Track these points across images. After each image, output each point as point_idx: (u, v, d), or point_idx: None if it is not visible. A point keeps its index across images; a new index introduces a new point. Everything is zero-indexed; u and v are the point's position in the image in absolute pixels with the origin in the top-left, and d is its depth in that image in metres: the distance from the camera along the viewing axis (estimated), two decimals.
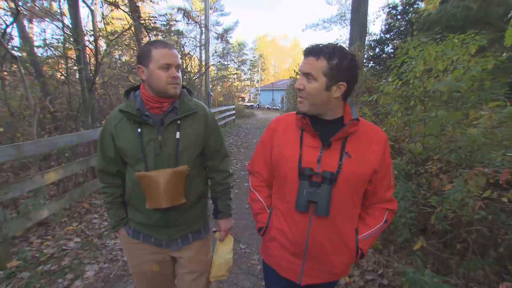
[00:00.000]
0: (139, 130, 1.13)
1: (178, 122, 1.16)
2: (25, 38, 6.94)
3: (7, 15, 5.56)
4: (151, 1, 7.60)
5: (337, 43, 1.00)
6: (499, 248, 2.07)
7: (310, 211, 1.02)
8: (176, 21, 9.75)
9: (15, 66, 5.56)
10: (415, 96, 3.16)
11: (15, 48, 5.07)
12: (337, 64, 0.94)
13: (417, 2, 10.83)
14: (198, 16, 22.87)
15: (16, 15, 4.03)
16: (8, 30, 4.76)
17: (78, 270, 2.36)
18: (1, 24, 4.97)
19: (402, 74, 3.17)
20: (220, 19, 30.47)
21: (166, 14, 9.57)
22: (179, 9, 8.98)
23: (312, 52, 0.97)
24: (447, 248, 2.62)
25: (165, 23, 8.94)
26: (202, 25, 11.55)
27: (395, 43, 10.56)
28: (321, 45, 0.98)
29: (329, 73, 0.94)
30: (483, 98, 3.19)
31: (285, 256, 1.12)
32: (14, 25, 5.42)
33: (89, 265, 2.46)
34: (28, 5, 6.90)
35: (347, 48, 0.97)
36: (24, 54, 5.54)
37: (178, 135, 1.15)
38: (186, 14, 7.76)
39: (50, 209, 2.78)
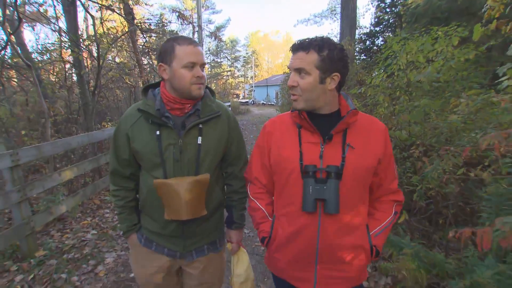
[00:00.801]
0: (157, 132, 1.04)
1: (200, 126, 1.08)
2: (21, 44, 7.07)
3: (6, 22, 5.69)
4: (145, 4, 7.72)
5: (323, 35, 0.98)
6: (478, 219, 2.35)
7: (318, 210, 0.96)
8: (170, 22, 9.89)
9: (13, 74, 5.71)
10: (399, 87, 3.43)
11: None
12: (328, 55, 0.91)
13: None
14: (190, 15, 22.87)
15: (19, 22, 4.19)
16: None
17: (99, 257, 2.60)
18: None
19: (387, 67, 3.43)
20: (212, 17, 30.55)
21: (160, 15, 9.70)
22: (173, 10, 9.12)
23: (301, 46, 0.94)
24: (432, 225, 2.90)
25: (159, 24, 9.10)
26: (195, 24, 11.70)
27: (385, 35, 10.82)
28: (308, 39, 0.95)
29: (322, 65, 0.92)
30: (463, 87, 3.48)
31: (295, 266, 1.04)
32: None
33: (108, 253, 2.71)
34: (28, 11, 7.02)
35: (338, 41, 1.00)
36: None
37: (200, 140, 1.07)
38: (181, 15, 7.91)
39: (67, 205, 3.01)
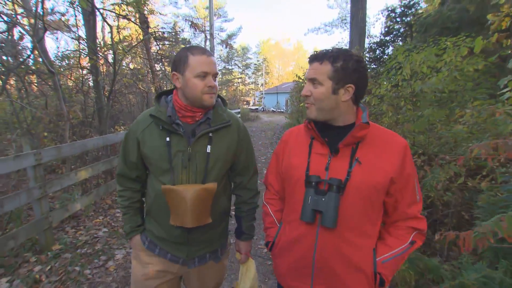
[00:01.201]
0: (167, 139, 1.06)
1: (210, 134, 1.10)
2: (44, 51, 7.48)
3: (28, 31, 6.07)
4: (160, 13, 8.05)
5: (341, 47, 1.00)
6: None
7: (316, 222, 0.96)
8: (183, 30, 10.24)
9: (33, 80, 6.06)
10: (404, 97, 3.50)
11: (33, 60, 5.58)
12: (342, 66, 0.91)
13: (415, 5, 11.08)
14: (202, 23, 23.45)
15: (44, 31, 4.50)
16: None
17: (109, 253, 2.75)
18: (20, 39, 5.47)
19: (392, 78, 3.52)
20: (223, 25, 31.18)
21: (173, 24, 10.05)
22: (186, 19, 9.45)
23: (316, 57, 0.96)
24: (433, 234, 2.93)
25: (172, 32, 9.44)
26: (207, 32, 12.04)
27: (394, 45, 10.85)
28: (324, 50, 0.97)
29: (335, 76, 0.92)
30: (469, 97, 3.51)
31: (292, 274, 1.05)
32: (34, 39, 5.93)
33: (118, 249, 2.85)
34: (50, 19, 7.44)
35: None
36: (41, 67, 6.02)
37: (209, 148, 1.08)
38: (193, 25, 8.21)
39: (82, 203, 3.19)
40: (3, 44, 4.45)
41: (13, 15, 4.57)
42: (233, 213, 1.35)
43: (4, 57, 4.41)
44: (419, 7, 11.11)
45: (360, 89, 0.96)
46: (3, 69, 4.20)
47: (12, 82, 6.81)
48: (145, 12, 8.19)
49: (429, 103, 3.48)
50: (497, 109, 1.84)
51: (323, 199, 0.92)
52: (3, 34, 4.61)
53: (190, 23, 8.26)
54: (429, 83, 3.15)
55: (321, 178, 0.95)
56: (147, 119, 1.11)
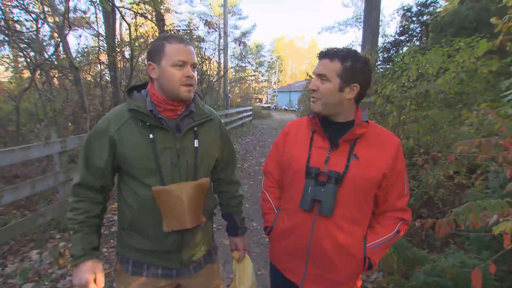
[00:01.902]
0: (151, 136, 0.96)
1: (195, 128, 1.04)
2: (65, 47, 7.90)
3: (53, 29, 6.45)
4: (175, 11, 8.31)
5: (351, 48, 1.04)
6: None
7: (314, 211, 1.03)
8: (197, 28, 10.50)
9: (58, 74, 6.44)
10: (410, 97, 3.56)
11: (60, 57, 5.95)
12: (350, 66, 0.97)
13: (433, 4, 10.85)
14: (217, 20, 23.72)
15: (69, 29, 4.81)
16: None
17: None
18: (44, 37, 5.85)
19: (397, 79, 3.59)
20: (238, 23, 31.39)
21: (188, 22, 10.32)
22: (200, 17, 9.68)
23: (327, 54, 1.00)
24: (433, 231, 3.01)
25: (187, 30, 9.71)
26: (221, 30, 12.28)
27: (410, 45, 10.71)
28: (335, 49, 1.01)
29: (343, 74, 0.97)
30: (477, 99, 3.55)
31: (288, 258, 1.12)
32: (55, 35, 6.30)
33: None
34: (72, 16, 7.84)
35: (360, 51, 1.11)
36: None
37: (196, 143, 1.03)
38: (207, 23, 8.42)
39: None
40: (31, 41, 4.80)
41: (41, 14, 4.91)
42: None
43: (32, 53, 4.75)
44: (438, 5, 10.87)
45: (364, 89, 1.02)
46: (32, 64, 4.53)
47: (36, 75, 7.24)
48: (162, 10, 8.48)
49: (435, 104, 3.53)
50: (490, 110, 1.92)
51: (322, 190, 0.99)
52: (32, 32, 4.96)
53: (204, 21, 8.48)
54: (434, 84, 3.21)
55: (321, 170, 1.02)
56: (123, 115, 0.98)
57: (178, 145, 1.00)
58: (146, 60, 1.02)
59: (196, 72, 1.03)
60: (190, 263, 1.10)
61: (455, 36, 3.93)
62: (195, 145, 1.03)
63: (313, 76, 1.05)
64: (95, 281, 0.96)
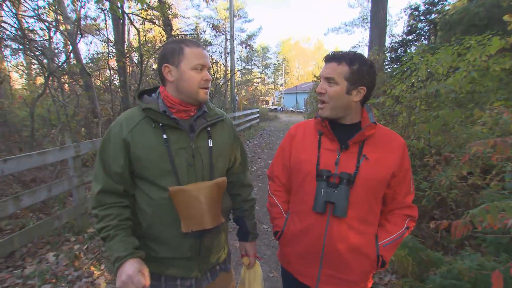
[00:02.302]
0: (164, 136, 0.96)
1: (208, 129, 1.05)
2: (77, 54, 8.10)
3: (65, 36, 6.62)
4: (182, 16, 8.42)
5: (356, 51, 1.05)
6: None
7: (327, 212, 1.03)
8: (204, 32, 10.61)
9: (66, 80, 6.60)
10: (420, 98, 3.52)
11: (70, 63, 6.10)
12: (358, 69, 0.98)
13: (441, 2, 10.71)
14: (223, 24, 23.90)
15: (81, 36, 4.93)
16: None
17: None
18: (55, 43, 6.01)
19: (406, 79, 3.55)
20: (244, 26, 31.55)
21: (195, 26, 10.43)
22: (207, 21, 9.79)
23: (334, 58, 1.01)
24: (447, 233, 2.96)
25: (194, 34, 9.83)
26: (228, 33, 12.38)
27: (418, 44, 10.58)
28: (342, 52, 1.02)
29: (350, 77, 0.99)
30: (489, 98, 3.48)
31: (301, 261, 1.11)
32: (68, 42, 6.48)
33: None
34: (82, 23, 8.03)
35: (367, 51, 1.10)
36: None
37: (210, 142, 1.03)
38: (214, 27, 8.51)
39: None
40: (45, 49, 4.93)
41: (53, 22, 5.05)
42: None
43: (45, 60, 4.88)
44: (446, 3, 10.72)
45: (370, 91, 1.04)
46: (45, 71, 4.66)
47: (49, 82, 7.44)
48: (169, 16, 8.61)
49: (445, 103, 3.48)
50: (505, 109, 1.89)
51: (335, 192, 1.00)
52: (45, 40, 5.10)
53: (211, 25, 8.57)
54: (444, 84, 3.17)
55: (331, 172, 1.03)
56: (135, 116, 0.98)
57: (193, 145, 0.99)
58: (159, 63, 1.00)
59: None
60: (208, 269, 1.08)
61: (464, 34, 3.87)
62: (210, 145, 1.03)
63: (320, 79, 1.06)
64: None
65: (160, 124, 0.96)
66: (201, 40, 11.36)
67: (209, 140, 1.04)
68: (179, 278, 1.03)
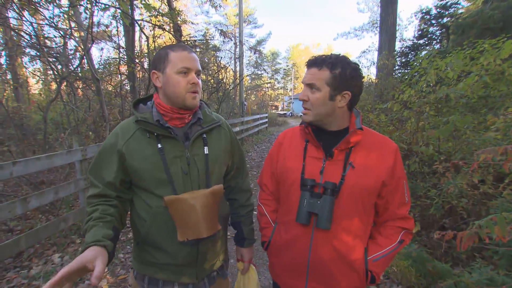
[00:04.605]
0: (159, 145, 0.96)
1: (204, 135, 1.03)
2: (89, 59, 8.32)
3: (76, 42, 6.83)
4: (192, 22, 8.56)
5: (339, 54, 0.99)
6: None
7: (312, 224, 0.99)
8: (213, 37, 10.76)
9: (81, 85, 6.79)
10: (429, 103, 3.44)
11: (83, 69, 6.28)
12: (340, 73, 0.93)
13: (454, 5, 10.54)
14: (232, 29, 24.17)
15: (92, 42, 5.07)
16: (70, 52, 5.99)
17: None
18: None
19: (415, 84, 3.48)
20: (253, 31, 31.86)
21: (204, 32, 10.58)
22: (216, 27, 9.92)
23: (315, 63, 0.96)
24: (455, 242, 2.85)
25: (203, 40, 9.97)
26: (237, 39, 12.49)
27: (429, 48, 10.41)
28: (323, 56, 0.97)
29: (332, 82, 0.94)
30: (503, 103, 3.37)
31: (288, 274, 1.08)
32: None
33: None
34: (95, 30, 8.28)
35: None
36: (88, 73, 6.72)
37: (206, 150, 1.02)
38: (223, 33, 8.61)
39: None
40: (58, 55, 5.09)
41: (68, 29, 5.22)
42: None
43: (59, 66, 5.04)
44: (459, 7, 10.55)
45: (356, 96, 0.98)
46: (58, 76, 4.81)
47: (62, 87, 7.69)
48: (179, 22, 8.77)
49: (456, 109, 3.39)
50: None
51: (318, 202, 0.95)
52: (60, 46, 5.27)
53: (220, 31, 8.67)
54: (455, 88, 3.09)
55: (316, 181, 0.98)
56: (130, 127, 0.99)
57: (188, 153, 0.99)
58: (149, 70, 1.00)
59: (200, 80, 1.02)
60: (206, 275, 1.08)
61: (478, 38, 3.77)
62: (205, 152, 1.02)
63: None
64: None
65: (155, 134, 0.96)
66: (210, 46, 11.52)
67: (205, 147, 1.02)
68: (177, 283, 1.03)
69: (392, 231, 1.02)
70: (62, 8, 4.74)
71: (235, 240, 1.25)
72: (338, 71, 0.94)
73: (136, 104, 1.04)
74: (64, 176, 3.56)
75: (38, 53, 5.47)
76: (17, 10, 4.39)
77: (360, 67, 1.00)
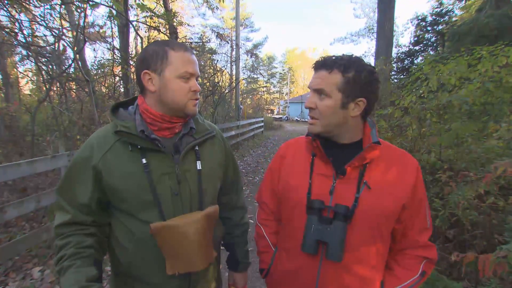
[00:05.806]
0: (144, 160, 0.81)
1: (196, 148, 0.89)
2: (83, 60, 8.15)
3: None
4: (188, 24, 8.46)
5: (352, 54, 0.86)
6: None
7: (320, 253, 0.84)
8: (209, 40, 10.67)
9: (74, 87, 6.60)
10: (431, 110, 3.36)
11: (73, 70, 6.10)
12: (353, 77, 0.80)
13: (448, 13, 10.70)
14: (229, 33, 24.15)
15: (84, 43, 4.92)
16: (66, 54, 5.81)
17: None
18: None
19: (416, 90, 3.41)
20: (250, 35, 31.96)
21: (201, 34, 10.50)
22: (213, 30, 9.84)
23: (324, 65, 0.83)
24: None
25: (200, 43, 9.88)
26: (234, 42, 12.43)
27: (425, 55, 10.49)
28: (334, 57, 0.84)
29: (345, 88, 0.80)
30: (506, 111, 3.30)
31: None
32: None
33: None
34: (90, 31, 8.13)
35: (373, 61, 0.89)
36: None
37: (199, 165, 0.88)
38: (219, 36, 8.52)
39: None
40: (50, 55, 4.92)
41: (60, 29, 5.05)
42: None
43: (50, 66, 4.86)
44: (453, 14, 10.70)
45: (372, 104, 0.85)
46: (48, 77, 4.63)
47: (54, 88, 7.51)
48: (175, 24, 8.66)
49: (458, 116, 3.32)
50: None
51: (328, 229, 0.81)
52: (51, 46, 5.10)
53: (216, 33, 8.58)
54: (457, 95, 3.02)
55: (325, 203, 0.84)
56: (108, 138, 0.82)
57: (178, 170, 0.84)
58: (137, 68, 0.83)
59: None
60: None
61: (474, 45, 3.74)
62: (198, 168, 0.88)
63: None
64: None
65: (138, 146, 0.81)
66: (207, 48, 11.42)
67: (198, 161, 0.88)
68: None
69: (412, 261, 0.88)
70: (52, 3, 4.57)
71: (228, 264, 1.10)
72: (351, 74, 0.80)
73: (115, 109, 0.87)
74: (49, 183, 3.37)
75: (29, 52, 5.29)
76: (4, 7, 4.22)
77: (376, 70, 0.86)
